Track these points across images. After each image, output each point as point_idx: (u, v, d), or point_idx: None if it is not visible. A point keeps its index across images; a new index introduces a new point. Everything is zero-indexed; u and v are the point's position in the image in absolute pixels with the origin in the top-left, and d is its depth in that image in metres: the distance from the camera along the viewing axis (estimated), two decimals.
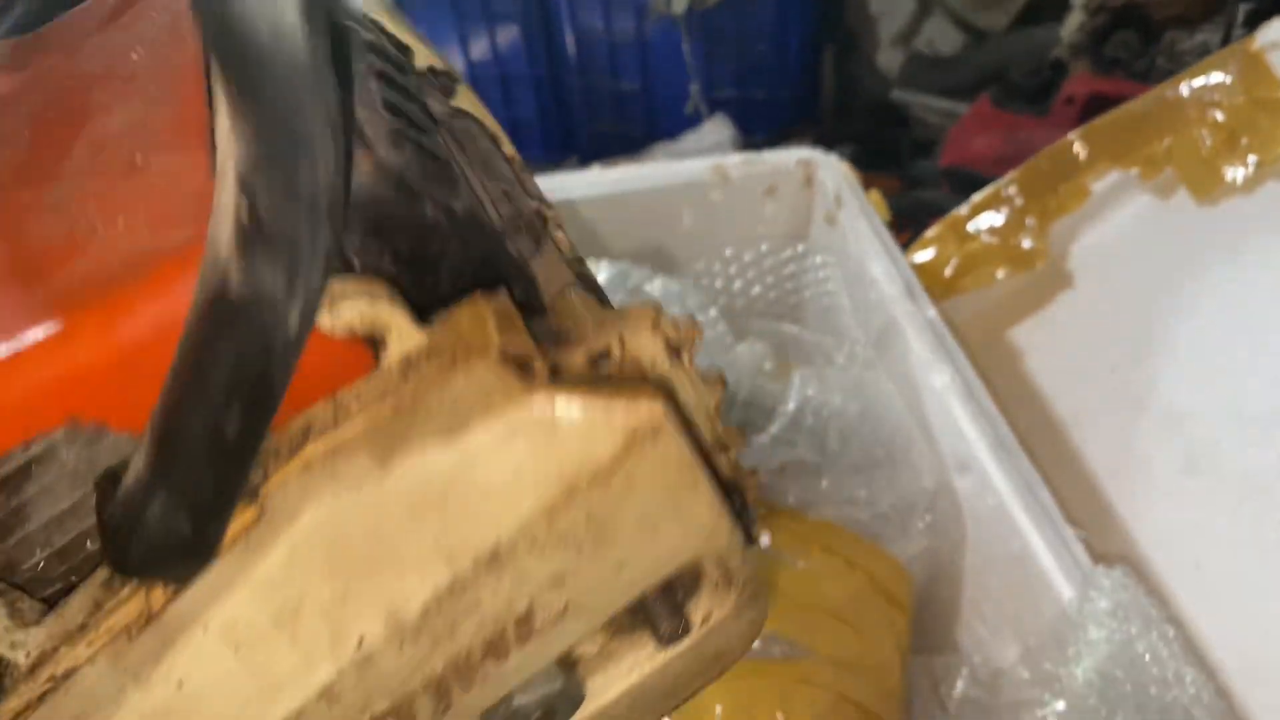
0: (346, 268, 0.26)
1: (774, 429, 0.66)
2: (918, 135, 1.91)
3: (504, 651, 0.31)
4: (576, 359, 0.29)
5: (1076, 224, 0.93)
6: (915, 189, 1.64)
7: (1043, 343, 0.93)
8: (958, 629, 0.71)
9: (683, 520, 0.31)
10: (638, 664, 0.35)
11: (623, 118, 1.64)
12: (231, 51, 0.19)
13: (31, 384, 0.24)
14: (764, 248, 0.80)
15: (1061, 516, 0.63)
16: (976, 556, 0.68)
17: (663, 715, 0.39)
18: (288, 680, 0.28)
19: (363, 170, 0.25)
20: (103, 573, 0.28)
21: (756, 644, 0.62)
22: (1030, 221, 0.93)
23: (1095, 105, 1.60)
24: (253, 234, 0.20)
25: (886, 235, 0.78)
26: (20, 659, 0.27)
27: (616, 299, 0.55)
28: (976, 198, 0.98)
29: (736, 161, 0.80)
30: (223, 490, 0.25)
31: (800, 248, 0.80)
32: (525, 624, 0.31)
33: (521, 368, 0.27)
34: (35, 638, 0.28)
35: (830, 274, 0.77)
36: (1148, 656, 0.47)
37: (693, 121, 1.59)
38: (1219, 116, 0.85)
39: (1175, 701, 0.46)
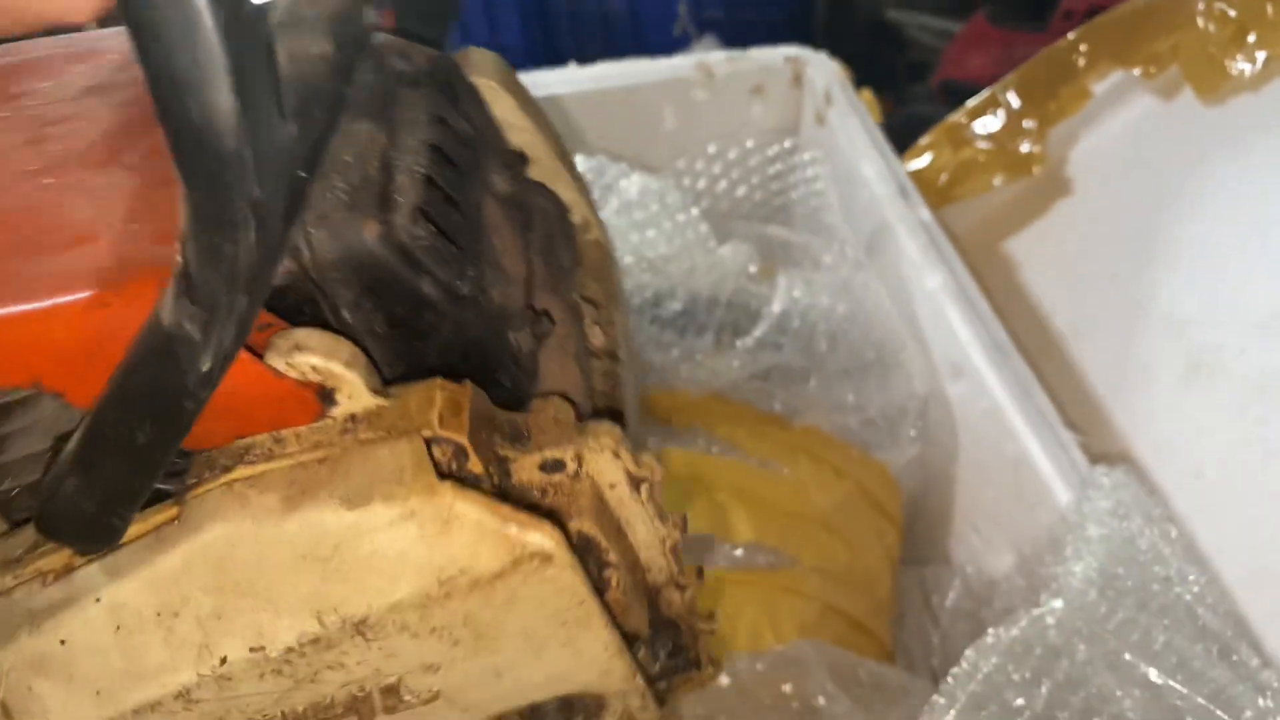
0: (335, 318, 0.29)
1: (758, 332, 0.63)
2: (912, 56, 1.86)
3: (369, 714, 0.32)
4: (529, 461, 0.30)
5: (1076, 128, 0.89)
6: (909, 107, 1.60)
7: (1041, 252, 0.90)
8: (950, 539, 0.68)
9: (573, 650, 0.32)
10: None
11: (609, 40, 1.60)
12: (171, 127, 0.20)
13: (26, 341, 0.27)
14: (749, 144, 0.76)
15: (1059, 419, 0.60)
16: (970, 464, 0.65)
17: None
18: (152, 672, 0.29)
19: (369, 235, 0.28)
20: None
21: (739, 553, 0.60)
22: (1029, 125, 0.90)
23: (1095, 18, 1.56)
24: (182, 286, 0.23)
25: (878, 134, 0.75)
26: None
27: (594, 195, 0.52)
28: (972, 103, 0.94)
29: (721, 59, 0.77)
30: (127, 488, 0.26)
31: (788, 143, 0.77)
32: (392, 695, 0.31)
33: (446, 458, 0.29)
34: None
35: (819, 173, 0.74)
36: (1149, 554, 0.45)
37: (681, 43, 1.55)
38: (1226, 11, 0.81)
39: (1178, 599, 0.44)
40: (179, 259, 0.22)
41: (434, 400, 0.29)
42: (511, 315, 0.33)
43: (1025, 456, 0.59)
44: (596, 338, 0.39)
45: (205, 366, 0.23)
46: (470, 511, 0.28)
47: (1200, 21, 0.81)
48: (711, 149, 0.76)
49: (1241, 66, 0.78)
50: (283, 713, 0.31)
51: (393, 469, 0.28)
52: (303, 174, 0.22)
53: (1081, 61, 0.88)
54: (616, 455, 0.31)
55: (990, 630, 0.43)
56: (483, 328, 0.31)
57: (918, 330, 0.67)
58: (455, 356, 0.31)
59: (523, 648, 0.31)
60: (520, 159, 0.39)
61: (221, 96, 0.20)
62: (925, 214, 0.70)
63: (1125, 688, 0.40)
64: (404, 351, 0.30)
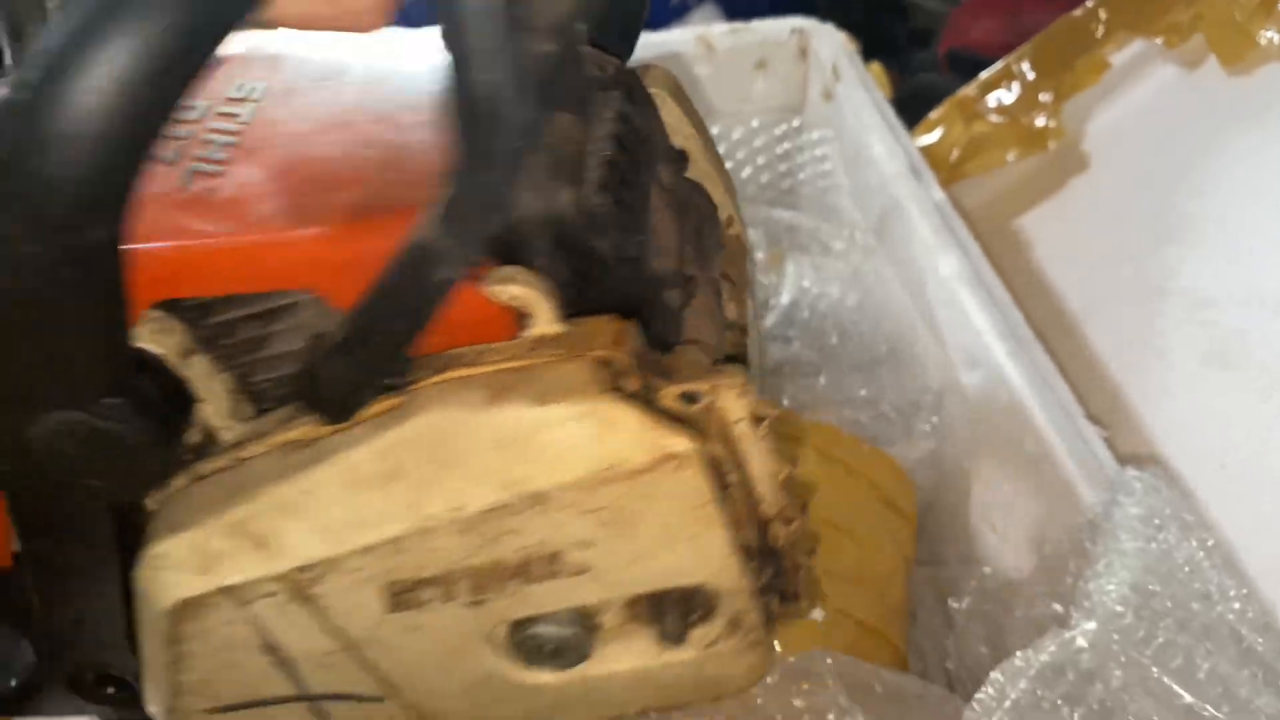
0: (530, 264, 0.37)
1: (767, 324, 0.59)
2: (916, 23, 1.82)
3: (531, 578, 0.39)
4: (672, 391, 0.37)
5: (1093, 100, 0.85)
6: (914, 77, 1.56)
7: (1055, 230, 0.86)
8: (965, 538, 0.65)
9: (696, 547, 0.39)
10: (642, 653, 0.42)
11: None
12: (464, 95, 0.29)
13: (305, 256, 0.37)
14: (754, 124, 0.72)
15: (1082, 413, 0.57)
16: (987, 459, 0.62)
17: (655, 705, 0.46)
18: (372, 521, 0.37)
19: (565, 201, 0.37)
20: (290, 407, 0.38)
21: None
22: (1044, 98, 0.86)
23: None
24: (448, 209, 0.31)
25: (888, 110, 0.71)
26: (226, 438, 0.39)
27: None
28: (985, 75, 0.90)
29: (723, 31, 0.73)
30: (376, 370, 0.35)
31: (795, 122, 0.73)
32: (552, 563, 0.38)
33: (612, 376, 0.36)
34: (239, 430, 0.39)
35: (828, 153, 0.70)
36: (1188, 569, 0.42)
37: (679, 12, 1.51)
38: None
39: (1220, 619, 0.41)
40: (448, 189, 0.30)
41: (605, 330, 0.37)
42: (665, 277, 0.42)
43: (1047, 453, 0.56)
44: (730, 311, 0.48)
45: (450, 275, 0.32)
46: (629, 417, 0.36)
47: None
48: (714, 129, 0.72)
49: (1270, 35, 0.74)
50: (468, 567, 0.38)
51: (573, 379, 0.36)
52: (529, 144, 0.31)
53: (1100, 30, 0.84)
54: (742, 395, 0.37)
55: (1019, 653, 0.40)
56: (642, 284, 0.40)
57: (931, 319, 0.64)
58: (620, 303, 0.38)
59: (657, 538, 0.38)
60: (682, 158, 0.49)
61: (503, 79, 0.29)
62: (938, 194, 0.67)
63: (1164, 716, 0.38)
64: (581, 296, 0.38)
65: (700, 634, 0.42)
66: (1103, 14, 0.85)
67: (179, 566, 0.38)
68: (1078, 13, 0.87)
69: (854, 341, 0.61)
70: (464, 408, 0.36)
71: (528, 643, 0.41)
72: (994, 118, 0.88)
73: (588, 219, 0.37)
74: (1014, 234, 0.87)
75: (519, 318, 0.37)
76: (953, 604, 0.63)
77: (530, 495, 0.36)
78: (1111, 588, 0.40)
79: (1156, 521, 0.44)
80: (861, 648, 0.58)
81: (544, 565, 0.38)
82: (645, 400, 0.37)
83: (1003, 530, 0.62)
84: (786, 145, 0.75)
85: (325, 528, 0.37)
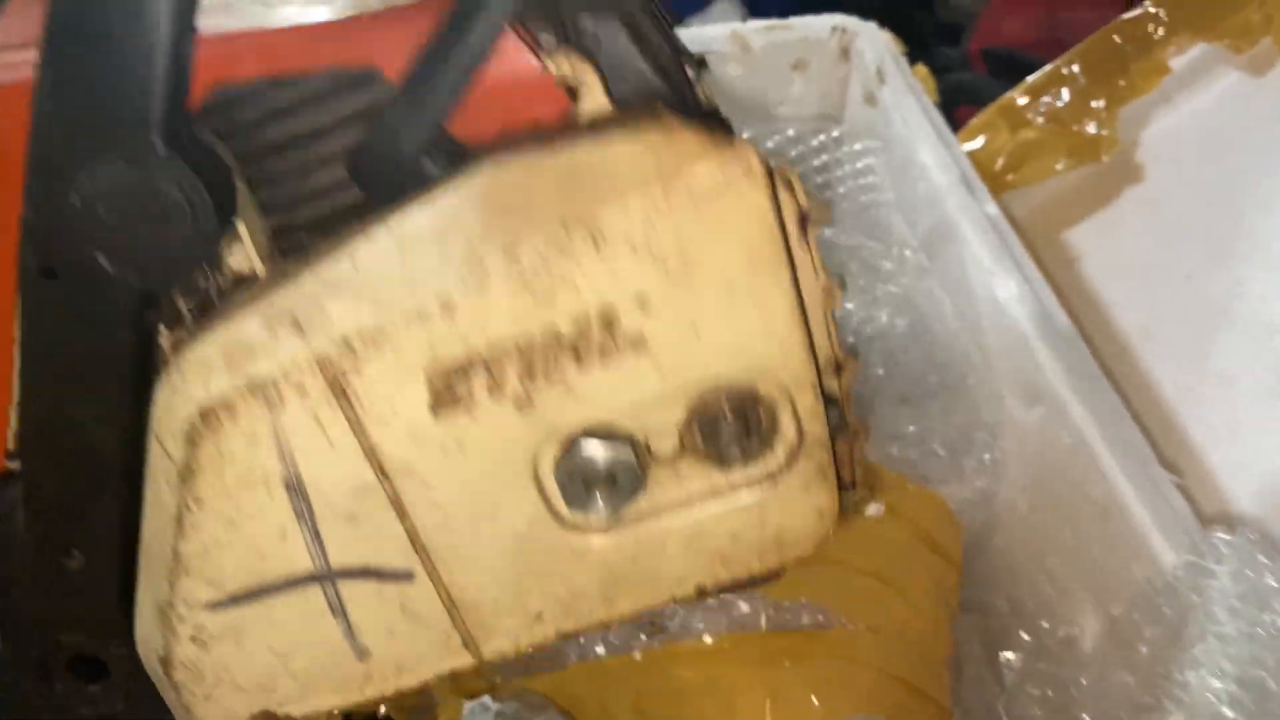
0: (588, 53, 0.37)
1: None
2: (944, 17, 1.76)
3: (587, 356, 0.37)
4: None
5: (1149, 107, 0.80)
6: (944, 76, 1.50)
7: (1108, 245, 0.81)
8: (1017, 586, 0.60)
9: (761, 310, 0.37)
10: (700, 495, 0.40)
11: None
12: None
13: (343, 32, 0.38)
14: (791, 132, 0.67)
15: (1154, 459, 0.52)
16: (1046, 503, 0.57)
17: (711, 584, 0.42)
18: (423, 277, 0.35)
19: (631, 8, 0.38)
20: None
21: (776, 612, 0.52)
22: (1097, 104, 0.81)
23: None
24: None
25: (937, 116, 0.66)
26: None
27: None
28: (1033, 79, 0.85)
29: (758, 29, 0.67)
30: (429, 129, 0.35)
31: (835, 132, 0.68)
32: (606, 332, 0.36)
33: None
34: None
35: (871, 164, 0.65)
36: None
37: (699, 4, 1.46)
38: None
39: None
40: None
41: (657, 110, 0.36)
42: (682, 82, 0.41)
43: (1117, 502, 0.50)
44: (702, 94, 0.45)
45: (495, 24, 0.34)
46: (694, 133, 0.35)
47: None
48: (746, 136, 0.67)
49: None
50: (517, 342, 0.36)
51: (632, 128, 0.36)
52: None
53: (1158, 33, 0.79)
54: (790, 185, 0.36)
55: None
56: (670, 87, 0.38)
57: (986, 348, 0.58)
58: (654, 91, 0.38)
59: (720, 295, 0.36)
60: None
61: None
62: (993, 209, 0.61)
63: None
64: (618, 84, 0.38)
65: (760, 465, 0.40)
66: (1162, 14, 0.80)
67: (203, 367, 0.35)
68: (1134, 13, 0.81)
69: (902, 372, 0.56)
70: (523, 155, 0.35)
71: (577, 471, 0.38)
72: (1043, 124, 0.82)
73: (636, 36, 0.38)
74: (1063, 248, 0.82)
75: (569, 92, 0.37)
76: (1005, 658, 0.58)
77: (590, 228, 0.35)
78: (1216, 682, 0.35)
79: (1257, 600, 0.38)
80: (909, 714, 0.53)
81: (600, 334, 0.36)
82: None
83: (1062, 583, 0.56)
84: (825, 157, 0.69)
85: (373, 295, 0.35)
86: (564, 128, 0.36)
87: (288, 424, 0.35)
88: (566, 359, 0.36)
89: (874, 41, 0.68)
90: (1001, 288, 0.56)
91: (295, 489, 0.37)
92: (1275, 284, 0.69)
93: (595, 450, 0.38)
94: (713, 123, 0.37)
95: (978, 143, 0.83)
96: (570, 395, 0.37)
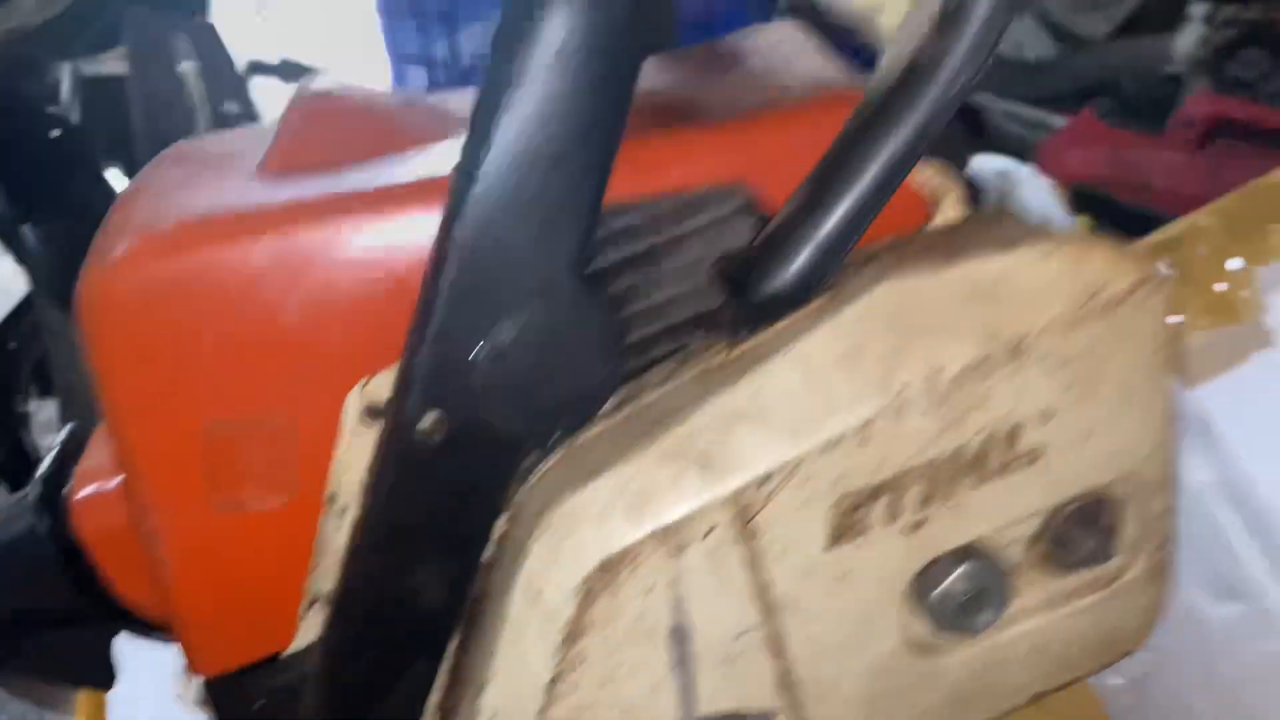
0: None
1: None
2: (992, 144, 1.76)
3: (985, 473, 0.36)
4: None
5: None
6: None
7: (1233, 409, 0.77)
8: None
9: (1146, 413, 0.38)
10: (1047, 603, 0.41)
11: None
12: None
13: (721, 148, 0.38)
14: None
15: None
16: (1231, 710, 0.52)
17: (1046, 690, 0.42)
18: (840, 405, 0.35)
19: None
20: (677, 356, 0.37)
21: None
22: (1233, 265, 0.78)
23: (1218, 128, 1.45)
24: (946, 20, 0.32)
25: None
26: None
27: None
28: (1164, 232, 0.82)
29: None
30: (851, 232, 0.35)
31: None
32: (1009, 447, 0.36)
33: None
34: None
35: None
36: None
37: None
38: None
39: None
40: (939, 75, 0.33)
41: (1009, 212, 0.38)
42: None
43: None
44: None
45: (961, 84, 0.33)
46: (1099, 246, 0.36)
47: None
48: None
49: None
50: (926, 461, 0.35)
51: (1023, 231, 0.36)
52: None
53: None
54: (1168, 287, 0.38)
55: None
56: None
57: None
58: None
59: (1114, 401, 0.37)
60: None
61: None
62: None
63: None
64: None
65: (1102, 568, 0.40)
66: None
67: (600, 517, 0.33)
68: (1272, 176, 0.79)
69: None
70: (920, 272, 0.35)
71: (947, 593, 0.38)
72: (1175, 280, 0.80)
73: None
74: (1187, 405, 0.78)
75: (932, 202, 0.38)
76: None
77: (1010, 344, 0.35)
78: None
79: None
80: None
81: (1001, 451, 0.36)
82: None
83: None
84: None
85: (785, 426, 0.34)
86: (946, 236, 0.37)
87: (687, 569, 0.34)
88: (965, 478, 0.36)
89: (1038, 190, 0.65)
90: (1197, 472, 0.53)
91: (679, 637, 0.35)
92: None
93: (964, 570, 0.38)
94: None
95: None
96: (958, 514, 0.37)
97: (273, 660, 0.39)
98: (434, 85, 1.80)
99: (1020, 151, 1.67)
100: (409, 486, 0.35)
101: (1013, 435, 0.36)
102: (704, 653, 0.35)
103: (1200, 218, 0.80)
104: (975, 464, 0.36)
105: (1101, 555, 0.40)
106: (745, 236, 0.37)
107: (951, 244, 0.36)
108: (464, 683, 0.37)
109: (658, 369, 0.38)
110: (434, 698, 0.38)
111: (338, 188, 0.37)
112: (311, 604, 0.38)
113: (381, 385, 0.36)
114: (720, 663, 0.36)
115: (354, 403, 0.36)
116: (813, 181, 0.34)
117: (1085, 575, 0.41)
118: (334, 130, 0.40)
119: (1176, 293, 0.80)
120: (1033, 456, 0.37)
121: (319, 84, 0.42)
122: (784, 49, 0.45)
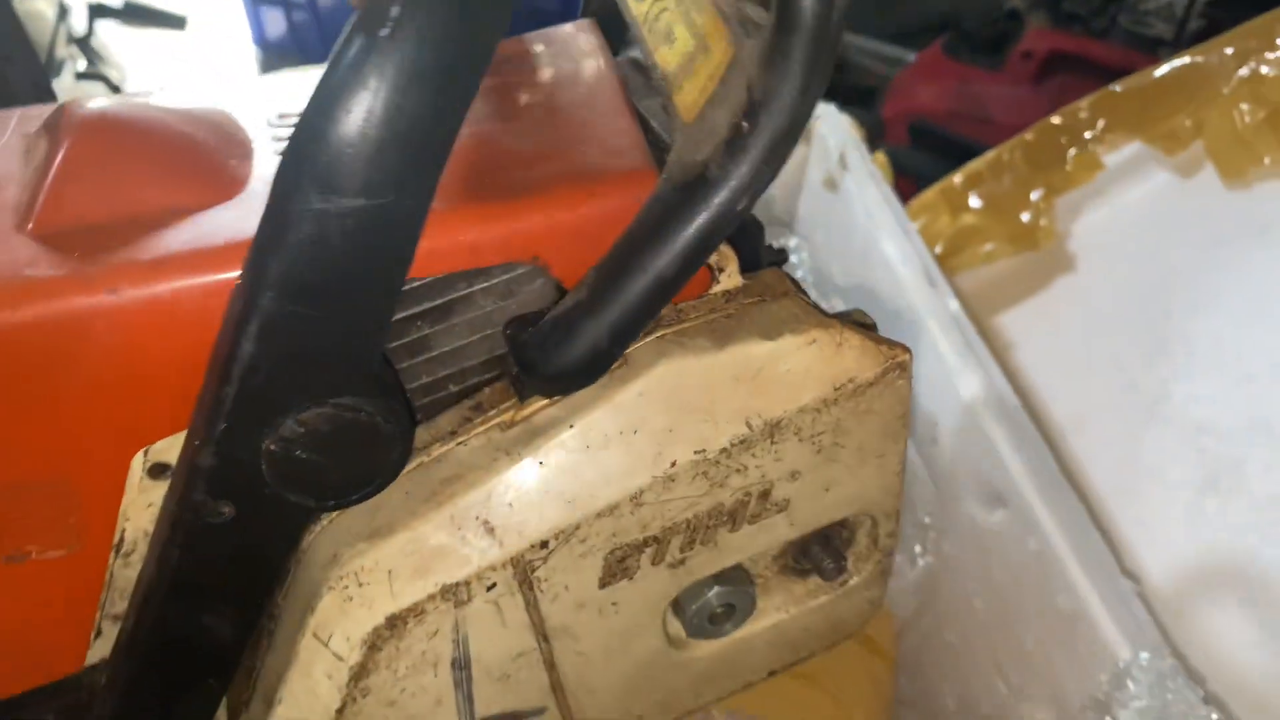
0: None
1: None
2: (854, 81, 1.79)
3: (737, 522, 0.41)
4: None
5: (1083, 199, 0.82)
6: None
7: (1039, 333, 0.82)
8: (968, 684, 0.60)
9: (879, 467, 0.43)
10: (788, 604, 0.47)
11: None
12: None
13: (515, 228, 0.37)
14: None
15: (1119, 569, 0.52)
16: (1005, 606, 0.57)
17: (780, 667, 0.49)
18: (615, 478, 0.37)
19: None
20: (468, 403, 0.39)
21: None
22: (1035, 195, 0.83)
23: (1055, 62, 1.50)
24: (735, 146, 0.33)
25: (899, 207, 0.66)
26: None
27: None
28: (974, 164, 0.86)
29: None
30: (636, 325, 0.36)
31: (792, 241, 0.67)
32: (761, 501, 0.40)
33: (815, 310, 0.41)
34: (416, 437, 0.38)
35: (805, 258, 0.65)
36: None
37: None
38: (1264, 93, 0.74)
39: None
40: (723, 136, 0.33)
41: (777, 278, 0.41)
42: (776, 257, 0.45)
43: (1084, 612, 0.51)
44: None
45: (742, 206, 0.33)
46: (854, 337, 0.39)
47: (1232, 100, 0.74)
48: None
49: (1275, 152, 0.71)
50: (689, 517, 0.39)
51: (789, 314, 0.39)
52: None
53: (1095, 129, 0.81)
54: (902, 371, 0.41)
55: None
56: (774, 258, 0.44)
57: (943, 446, 0.58)
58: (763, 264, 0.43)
59: (853, 460, 0.42)
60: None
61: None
62: (955, 304, 0.62)
63: None
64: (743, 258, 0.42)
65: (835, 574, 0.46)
66: (1100, 113, 0.82)
67: (390, 576, 0.35)
68: (1072, 108, 0.83)
69: None
70: (696, 353, 0.37)
71: (703, 608, 0.43)
72: (981, 209, 0.84)
73: (753, 223, 0.44)
74: (994, 333, 0.83)
75: (712, 270, 0.40)
76: None
77: (769, 425, 0.38)
78: None
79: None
80: None
81: (755, 505, 0.40)
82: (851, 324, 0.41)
83: (1017, 681, 0.56)
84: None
85: (564, 495, 0.37)
86: (709, 307, 0.40)
87: (471, 614, 0.37)
88: (723, 527, 0.40)
89: (838, 127, 0.68)
90: (965, 386, 0.56)
91: (460, 665, 0.38)
92: (1204, 382, 0.71)
93: (718, 589, 0.43)
94: (853, 316, 0.43)
95: (918, 224, 0.84)
96: (715, 551, 0.41)
97: (61, 681, 0.40)
98: (291, 27, 1.76)
99: (879, 85, 1.71)
100: (199, 553, 0.35)
101: (766, 493, 0.40)
102: (483, 675, 0.39)
103: (1004, 151, 0.84)
104: (732, 516, 0.40)
105: (836, 569, 0.45)
106: (536, 297, 0.39)
107: (726, 324, 0.39)
108: (256, 687, 0.39)
109: (447, 415, 0.39)
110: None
111: (114, 253, 0.35)
112: (99, 632, 0.40)
113: (166, 447, 0.36)
114: (498, 679, 0.39)
115: (139, 463, 0.36)
116: (604, 271, 0.35)
117: (820, 580, 0.46)
118: (111, 172, 0.38)
119: (983, 222, 0.85)
120: (781, 506, 0.41)
121: (95, 104, 0.39)
122: (580, 78, 0.46)
